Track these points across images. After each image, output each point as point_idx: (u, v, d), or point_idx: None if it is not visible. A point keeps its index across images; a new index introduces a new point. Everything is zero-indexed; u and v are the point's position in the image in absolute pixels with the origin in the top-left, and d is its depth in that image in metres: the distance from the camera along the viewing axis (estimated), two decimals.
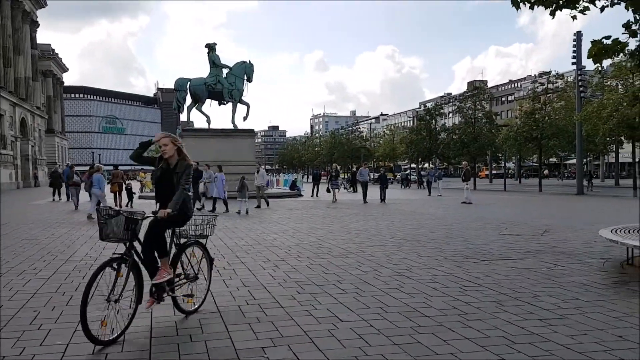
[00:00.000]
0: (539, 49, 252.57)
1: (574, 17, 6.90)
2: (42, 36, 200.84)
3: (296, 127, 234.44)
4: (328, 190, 24.14)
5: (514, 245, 9.29)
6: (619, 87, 30.69)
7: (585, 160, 50.47)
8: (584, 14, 6.72)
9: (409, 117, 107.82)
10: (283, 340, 4.19)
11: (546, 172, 70.43)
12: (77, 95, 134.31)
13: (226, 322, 4.73)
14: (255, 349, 4.01)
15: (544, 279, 6.58)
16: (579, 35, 31.32)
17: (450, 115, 75.69)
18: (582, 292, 5.87)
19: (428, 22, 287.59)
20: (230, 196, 24.92)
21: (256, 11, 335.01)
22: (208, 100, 30.25)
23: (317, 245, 9.42)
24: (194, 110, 30.14)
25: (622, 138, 29.67)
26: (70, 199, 22.94)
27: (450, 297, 5.62)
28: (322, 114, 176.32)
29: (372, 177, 32.32)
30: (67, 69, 78.57)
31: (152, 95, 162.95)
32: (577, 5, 6.88)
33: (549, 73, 38.81)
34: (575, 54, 31.51)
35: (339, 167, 27.62)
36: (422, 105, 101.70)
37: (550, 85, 37.95)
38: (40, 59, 63.93)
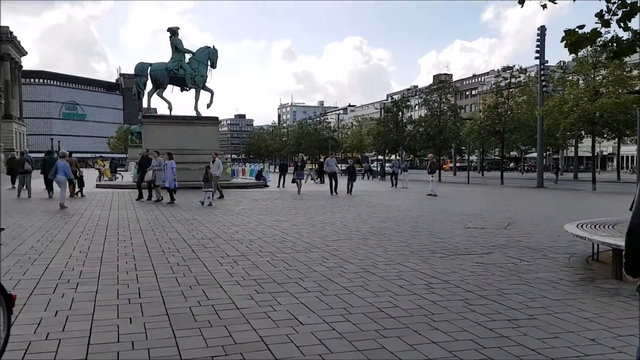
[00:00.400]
0: (503, 44, 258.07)
1: (544, 6, 6.71)
2: (1, 19, 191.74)
3: (263, 116, 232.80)
4: (293, 181, 23.56)
5: (479, 239, 9.17)
6: (580, 82, 31.32)
7: (545, 154, 51.70)
8: (555, 3, 6.53)
9: (377, 108, 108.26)
10: (235, 348, 3.82)
11: (512, 165, 71.90)
12: (36, 80, 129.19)
13: (174, 326, 4.32)
14: (204, 358, 3.63)
15: (510, 275, 6.42)
16: (542, 30, 31.79)
17: (417, 107, 76.33)
18: (550, 290, 5.72)
19: (395, 15, 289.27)
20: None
21: None
22: (170, 86, 29.41)
23: (280, 239, 9.05)
24: (155, 97, 29.26)
25: (582, 132, 30.32)
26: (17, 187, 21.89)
27: (417, 295, 5.37)
28: (290, 104, 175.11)
29: (339, 167, 31.52)
30: (26, 53, 75.14)
31: (114, 81, 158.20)
32: None
33: (512, 68, 39.30)
34: (538, 49, 31.99)
35: (305, 158, 27.09)
36: (390, 97, 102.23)
37: (513, 80, 38.52)
38: None
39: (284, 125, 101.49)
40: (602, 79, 29.28)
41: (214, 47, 29.98)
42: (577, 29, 5.97)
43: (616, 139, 38.14)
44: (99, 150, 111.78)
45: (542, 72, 31.72)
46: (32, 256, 7.28)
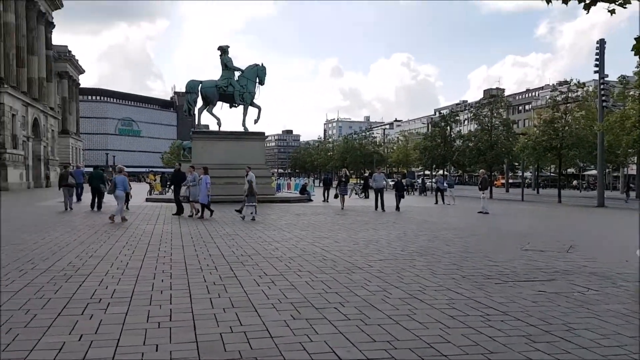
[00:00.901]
0: (557, 59, 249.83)
1: (612, 12, 6.05)
2: (62, 38, 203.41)
3: (310, 132, 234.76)
4: (336, 196, 23.12)
5: (539, 264, 8.40)
6: None
7: (604, 171, 48.99)
8: (624, 7, 5.87)
9: (424, 123, 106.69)
10: None
11: (576, 182, 68.62)
12: (93, 97, 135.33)
13: (202, 356, 3.95)
14: None
15: (577, 306, 5.71)
16: (601, 43, 30.22)
17: (466, 122, 74.53)
18: (624, 324, 5.00)
19: (444, 31, 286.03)
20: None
21: (274, 18, 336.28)
22: (219, 103, 29.84)
23: (320, 257, 8.62)
24: (205, 113, 29.74)
25: None
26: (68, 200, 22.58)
27: (472, 329, 4.78)
28: (336, 119, 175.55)
29: (388, 183, 29.56)
30: (84, 71, 78.89)
31: (169, 98, 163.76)
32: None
33: (568, 82, 37.56)
34: (597, 62, 30.41)
35: (348, 172, 26.55)
36: (437, 112, 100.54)
37: (570, 94, 36.77)
38: (57, 60, 64.16)
39: (330, 140, 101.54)
40: None
41: (262, 64, 30.22)
42: None
43: None
44: (153, 165, 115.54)
45: (601, 86, 30.09)
46: (68, 272, 7.15)
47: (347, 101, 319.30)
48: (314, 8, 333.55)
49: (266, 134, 31.96)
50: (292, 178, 63.48)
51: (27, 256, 8.43)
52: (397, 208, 21.14)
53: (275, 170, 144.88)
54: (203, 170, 16.97)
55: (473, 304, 5.67)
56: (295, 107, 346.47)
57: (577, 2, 6.50)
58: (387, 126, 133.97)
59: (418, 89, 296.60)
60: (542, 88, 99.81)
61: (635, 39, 5.56)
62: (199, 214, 16.11)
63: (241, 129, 29.62)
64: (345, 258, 8.60)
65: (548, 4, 6.58)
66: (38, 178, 49.42)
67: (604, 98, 30.17)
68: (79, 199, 22.61)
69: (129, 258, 8.41)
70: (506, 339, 4.49)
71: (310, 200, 28.93)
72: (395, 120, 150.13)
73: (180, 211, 17.19)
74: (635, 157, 40.20)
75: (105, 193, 18.00)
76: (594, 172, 66.52)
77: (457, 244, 10.72)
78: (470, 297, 5.97)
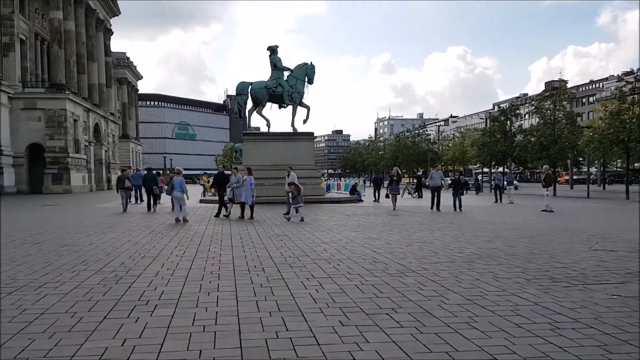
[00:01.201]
0: (621, 49, 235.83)
1: None
2: (119, 44, 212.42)
3: (361, 131, 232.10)
4: (387, 196, 22.49)
5: (610, 265, 7.69)
6: None
7: None
8: None
9: (481, 118, 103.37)
10: None
11: None
12: (151, 103, 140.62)
13: None
14: None
15: None
16: None
17: (527, 116, 71.50)
18: None
19: (501, 22, 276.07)
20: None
21: (324, 15, 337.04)
22: (269, 104, 29.95)
23: (371, 260, 8.27)
24: (255, 115, 29.98)
25: None
26: (136, 201, 23.31)
27: (539, 338, 4.31)
28: (387, 117, 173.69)
29: (445, 181, 27.43)
30: (142, 77, 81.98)
31: (221, 102, 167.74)
32: None
33: (635, 72, 35.17)
34: None
35: (400, 171, 25.84)
36: (496, 107, 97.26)
37: (638, 84, 34.42)
38: (116, 67, 66.97)
39: (381, 139, 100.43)
40: None
41: (311, 63, 30.09)
42: None
43: None
44: (208, 167, 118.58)
45: None
46: (119, 273, 7.17)
47: (399, 98, 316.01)
48: (365, 5, 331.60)
49: (316, 135, 31.85)
50: (342, 178, 63.16)
51: (81, 257, 8.58)
52: (456, 207, 19.99)
53: (326, 170, 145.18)
54: (247, 171, 16.95)
55: (540, 310, 5.17)
56: (346, 106, 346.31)
57: None
58: (442, 123, 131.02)
59: (475, 83, 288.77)
60: (606, 79, 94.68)
61: None
62: (250, 216, 16.06)
63: (290, 130, 29.63)
64: (397, 260, 8.21)
65: None
66: (100, 181, 51.64)
67: None
68: (137, 201, 23.32)
69: (180, 259, 8.39)
70: (579, 350, 4.01)
71: (361, 200, 28.54)
72: (451, 117, 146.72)
73: (219, 213, 17.11)
74: None
75: (164, 194, 18.39)
76: None
77: (520, 245, 10.06)
78: (537, 303, 5.46)
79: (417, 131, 76.98)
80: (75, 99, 43.80)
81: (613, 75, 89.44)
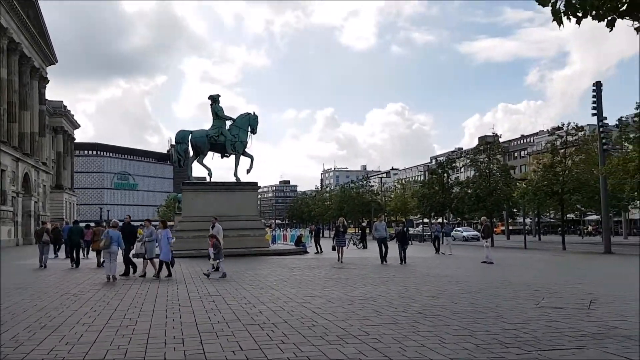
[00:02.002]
0: (548, 106, 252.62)
1: (638, 30, 5.28)
2: (58, 94, 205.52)
3: (307, 182, 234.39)
4: (334, 248, 21.78)
5: (561, 325, 7.26)
6: None
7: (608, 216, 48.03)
8: None
9: (420, 171, 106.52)
10: None
11: (591, 228, 67.28)
12: (89, 152, 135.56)
13: None
14: None
15: None
16: (598, 86, 30.00)
17: (462, 169, 74.13)
18: None
19: (436, 81, 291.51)
20: (231, 254, 23.01)
21: (269, 70, 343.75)
22: (210, 153, 29.20)
23: (309, 323, 7.46)
24: (195, 163, 29.04)
25: None
26: (55, 256, 21.42)
27: None
28: (332, 169, 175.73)
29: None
30: (79, 126, 79.06)
31: (165, 151, 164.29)
32: None
33: (562, 128, 37.29)
34: (595, 105, 30.06)
35: (346, 222, 25.31)
36: (434, 160, 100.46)
37: (569, 138, 36.33)
38: (52, 115, 64.21)
39: (327, 189, 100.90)
40: None
41: (254, 113, 29.83)
42: None
43: None
44: (149, 218, 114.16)
45: (601, 129, 29.61)
46: (5, 350, 5.99)
47: (343, 150, 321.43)
48: (308, 60, 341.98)
49: (263, 185, 31.44)
50: (288, 229, 62.21)
51: None
52: (403, 260, 19.04)
53: (273, 221, 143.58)
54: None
55: None
56: (292, 157, 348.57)
57: (596, 20, 5.75)
58: (384, 175, 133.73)
59: (413, 138, 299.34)
60: (536, 134, 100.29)
61: None
62: (168, 274, 14.45)
63: (233, 180, 28.82)
64: (338, 323, 7.45)
65: (559, 26, 5.84)
66: (28, 234, 48.04)
67: (604, 141, 29.63)
68: (55, 255, 21.40)
69: (86, 329, 7.24)
70: None
71: (306, 252, 27.83)
72: (392, 169, 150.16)
73: (127, 272, 14.98)
74: (638, 202, 39.30)
75: (92, 248, 16.76)
76: (594, 217, 65.52)
77: (465, 301, 9.57)
78: None
79: (361, 182, 77.94)
80: (4, 148, 41.17)
81: (542, 131, 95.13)
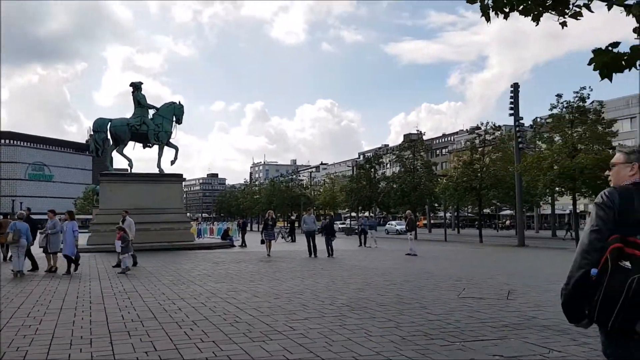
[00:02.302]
0: (468, 107, 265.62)
1: (563, 24, 5.39)
2: None
3: (236, 175, 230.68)
4: (262, 242, 21.32)
5: (482, 315, 7.41)
6: (557, 138, 30.87)
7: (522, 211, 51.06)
8: (577, 19, 5.22)
9: (349, 166, 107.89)
10: None
11: (508, 222, 70.92)
12: (2, 141, 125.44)
13: None
14: None
15: None
16: (516, 87, 31.60)
17: (389, 165, 76.07)
18: None
19: (364, 80, 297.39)
20: (153, 248, 22.04)
21: (197, 61, 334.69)
22: (131, 143, 27.78)
23: (233, 319, 7.11)
24: (115, 154, 27.52)
25: (562, 189, 29.47)
26: None
27: None
28: (262, 163, 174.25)
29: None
30: None
31: (84, 141, 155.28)
32: (567, 10, 5.35)
33: (482, 126, 39.13)
34: (512, 105, 31.67)
35: (274, 215, 24.96)
36: (361, 156, 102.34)
37: (487, 137, 38.13)
38: None
39: (256, 183, 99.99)
40: (580, 135, 28.85)
41: (179, 102, 28.75)
42: (610, 48, 4.54)
43: (593, 196, 37.61)
44: (53, 209, 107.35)
45: (517, 129, 31.24)
46: None
47: (273, 145, 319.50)
48: (237, 53, 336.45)
49: (190, 178, 30.50)
50: (215, 223, 60.89)
51: None
52: (331, 254, 19.14)
53: (200, 214, 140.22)
54: (68, 216, 14.55)
55: None
56: (221, 150, 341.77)
57: (522, 15, 5.83)
58: (314, 169, 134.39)
59: (342, 134, 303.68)
60: (456, 133, 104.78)
61: (593, 51, 4.73)
62: (67, 270, 13.28)
63: (156, 171, 27.60)
64: (262, 318, 7.16)
65: (487, 22, 5.88)
66: None
67: (520, 140, 31.29)
68: None
69: None
70: None
71: (233, 246, 27.27)
72: (322, 164, 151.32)
73: (35, 266, 13.96)
74: (550, 198, 42.03)
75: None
76: (509, 212, 69.55)
77: (391, 293, 9.60)
78: None
79: (290, 177, 77.81)
80: None
81: (462, 130, 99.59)
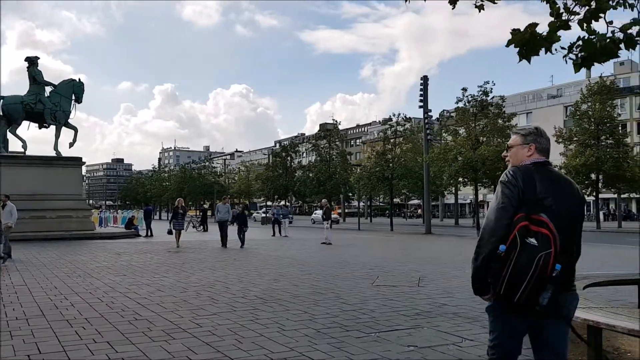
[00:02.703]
0: (380, 99, 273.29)
1: (480, 7, 5.37)
2: None
3: (144, 160, 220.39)
4: (170, 232, 20.12)
5: (396, 304, 7.38)
6: (462, 131, 32.42)
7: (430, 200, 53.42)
8: (495, 3, 5.22)
9: (265, 154, 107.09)
10: None
11: (420, 211, 73.43)
12: None
13: None
14: None
15: None
16: (425, 80, 32.71)
17: (305, 154, 76.32)
18: None
19: (280, 66, 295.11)
20: (48, 237, 20.34)
21: (102, 39, 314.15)
22: (26, 123, 25.41)
23: (132, 316, 6.49)
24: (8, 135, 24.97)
25: (465, 179, 31.12)
26: None
27: None
28: (172, 148, 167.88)
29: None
30: None
31: None
32: None
33: (393, 117, 40.33)
34: (422, 98, 32.78)
35: (184, 203, 23.81)
36: (278, 144, 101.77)
37: (399, 128, 39.33)
38: None
39: (165, 169, 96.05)
40: (482, 128, 30.47)
41: (79, 79, 26.65)
42: (528, 29, 4.52)
43: (492, 187, 40.17)
44: None
45: (426, 121, 32.40)
46: None
47: (185, 130, 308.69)
48: (146, 32, 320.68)
49: (92, 163, 28.57)
50: (119, 210, 57.67)
51: None
52: (242, 245, 18.46)
53: (104, 202, 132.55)
54: None
55: None
56: (127, 134, 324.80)
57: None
58: (228, 156, 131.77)
59: (258, 121, 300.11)
60: (370, 124, 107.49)
61: (511, 31, 4.66)
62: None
63: (53, 154, 25.42)
64: (166, 315, 6.59)
65: (407, 1, 5.78)
66: None
67: (428, 132, 32.49)
68: None
69: None
70: None
71: (138, 235, 25.87)
72: (237, 151, 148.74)
73: None
74: (454, 188, 44.29)
75: None
76: (416, 201, 72.65)
77: (305, 283, 9.37)
78: None
79: (203, 163, 75.61)
80: None
81: (375, 121, 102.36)
